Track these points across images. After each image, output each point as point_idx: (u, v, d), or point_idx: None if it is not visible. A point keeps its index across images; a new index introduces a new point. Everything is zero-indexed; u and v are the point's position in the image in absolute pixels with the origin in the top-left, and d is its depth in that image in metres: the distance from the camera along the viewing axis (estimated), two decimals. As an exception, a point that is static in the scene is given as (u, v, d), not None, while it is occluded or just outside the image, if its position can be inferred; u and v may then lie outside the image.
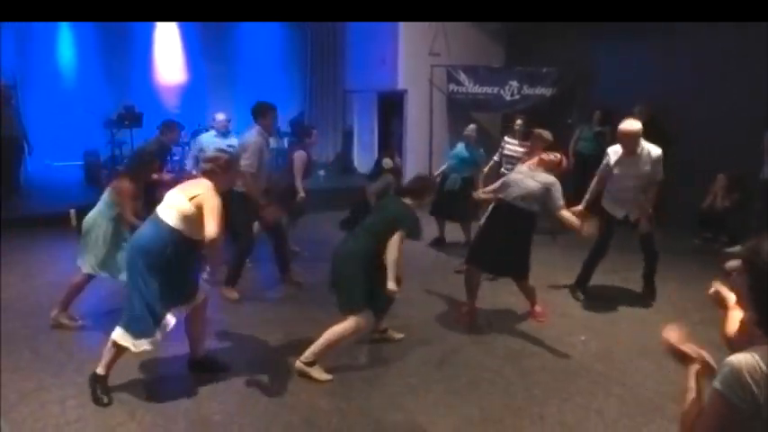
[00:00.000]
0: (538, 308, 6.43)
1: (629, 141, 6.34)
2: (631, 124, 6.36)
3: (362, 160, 15.48)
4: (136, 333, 4.42)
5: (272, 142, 13.59)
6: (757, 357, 1.94)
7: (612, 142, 10.73)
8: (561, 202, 5.92)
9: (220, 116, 9.37)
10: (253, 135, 6.98)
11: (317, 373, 4.98)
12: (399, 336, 5.84)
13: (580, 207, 6.62)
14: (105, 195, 5.82)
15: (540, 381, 5.08)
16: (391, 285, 4.91)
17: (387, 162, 8.28)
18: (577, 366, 5.35)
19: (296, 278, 7.55)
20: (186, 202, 4.40)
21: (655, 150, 6.41)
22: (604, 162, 6.73)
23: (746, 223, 8.93)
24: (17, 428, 4.23)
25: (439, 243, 9.35)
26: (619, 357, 5.55)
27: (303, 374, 4.98)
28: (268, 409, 4.57)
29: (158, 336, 4.50)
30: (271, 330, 6.06)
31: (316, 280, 7.21)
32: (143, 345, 4.45)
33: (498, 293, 7.07)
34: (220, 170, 4.61)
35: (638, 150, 6.37)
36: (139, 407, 4.51)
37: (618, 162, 6.52)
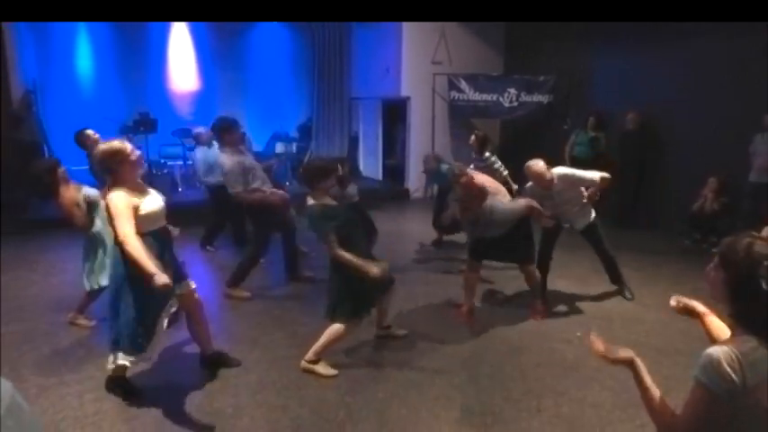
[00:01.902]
0: (539, 304, 6.42)
1: (540, 179, 6.15)
2: (536, 163, 6.13)
3: (367, 164, 15.52)
4: (126, 349, 4.29)
5: (281, 147, 13.66)
6: (733, 347, 1.97)
7: (607, 147, 10.88)
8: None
9: (200, 129, 9.25)
10: (222, 156, 6.78)
11: (323, 368, 5.00)
12: (403, 333, 5.84)
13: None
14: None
15: (537, 375, 5.08)
16: (372, 270, 4.68)
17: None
18: (573, 362, 5.35)
19: (307, 273, 7.63)
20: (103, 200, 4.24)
21: (561, 171, 6.29)
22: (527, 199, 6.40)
23: (735, 225, 8.92)
24: (38, 420, 4.26)
25: (438, 245, 9.37)
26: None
27: (309, 371, 5.01)
28: (278, 402, 4.58)
29: (150, 350, 4.41)
30: (279, 327, 6.08)
31: (321, 278, 7.23)
32: (144, 357, 4.41)
33: (497, 293, 7.08)
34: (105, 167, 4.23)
35: (554, 184, 6.21)
36: (154, 401, 4.53)
37: (541, 197, 6.21)
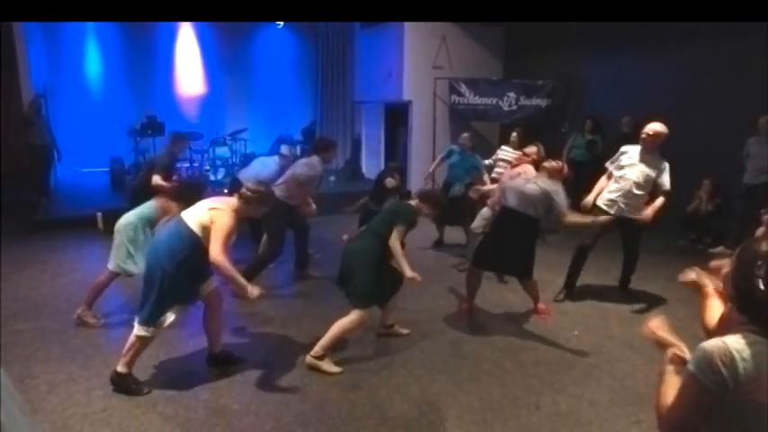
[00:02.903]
0: (542, 305, 6.43)
1: (653, 141, 6.30)
2: (659, 125, 6.32)
3: (369, 166, 15.52)
4: (141, 320, 4.47)
5: (286, 150, 13.68)
6: (728, 342, 1.98)
7: (603, 149, 10.89)
8: (565, 209, 5.84)
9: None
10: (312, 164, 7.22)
11: (327, 365, 5.01)
12: (405, 331, 5.85)
13: (590, 199, 6.59)
14: (151, 208, 5.91)
15: (536, 372, 5.09)
16: (409, 273, 4.98)
17: (389, 182, 8.10)
18: (571, 359, 5.36)
19: (315, 273, 7.69)
20: (206, 210, 4.42)
21: (664, 161, 6.38)
22: (615, 161, 6.65)
23: (728, 226, 8.92)
24: (47, 417, 4.26)
25: (439, 245, 9.37)
26: (609, 351, 5.55)
27: (314, 368, 5.01)
28: (282, 398, 4.59)
29: (159, 327, 4.51)
30: (285, 325, 6.09)
31: (327, 279, 7.25)
32: (143, 331, 4.47)
33: (497, 292, 7.09)
34: (256, 200, 4.62)
35: (655, 153, 6.34)
36: (161, 397, 4.54)
37: (628, 160, 6.43)
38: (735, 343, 1.98)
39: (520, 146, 8.61)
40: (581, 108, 11.85)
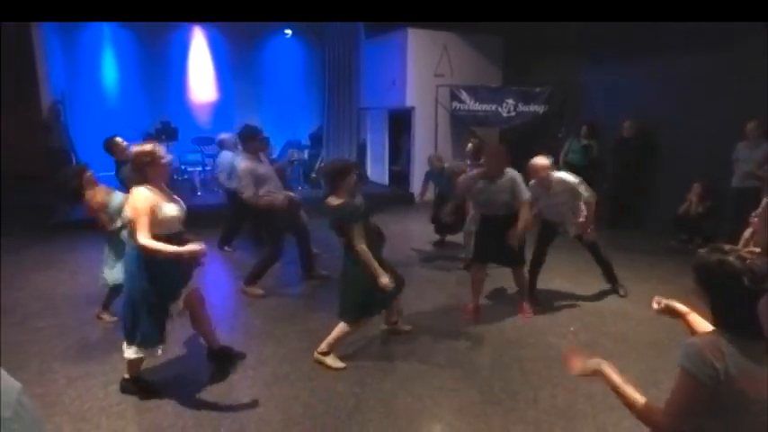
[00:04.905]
0: (526, 305, 6.42)
1: (541, 176, 6.17)
2: (539, 159, 6.19)
3: (374, 170, 15.55)
4: (145, 342, 4.29)
5: (295, 155, 13.68)
6: (716, 337, 2.00)
7: (599, 154, 10.90)
8: (526, 195, 5.80)
9: (225, 135, 9.44)
10: (240, 160, 6.88)
11: (333, 361, 5.02)
12: (408, 328, 5.86)
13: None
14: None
15: (533, 368, 5.09)
16: (383, 280, 4.74)
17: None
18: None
19: (323, 272, 7.65)
20: (127, 206, 4.18)
21: (569, 178, 6.29)
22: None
23: (718, 227, 8.90)
24: (65, 410, 4.28)
25: (440, 245, 9.38)
26: (604, 347, 5.54)
27: (320, 363, 5.03)
28: (290, 392, 4.60)
29: (164, 339, 4.38)
30: (292, 323, 6.10)
31: (333, 278, 7.27)
32: (155, 352, 4.37)
33: (497, 291, 7.09)
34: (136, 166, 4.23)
35: (553, 184, 6.22)
36: (174, 391, 4.56)
37: (538, 195, 6.28)
38: (721, 338, 2.00)
39: (475, 155, 8.44)
40: (577, 114, 11.87)
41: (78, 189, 5.61)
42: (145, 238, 3.93)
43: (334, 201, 4.80)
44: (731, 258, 2.03)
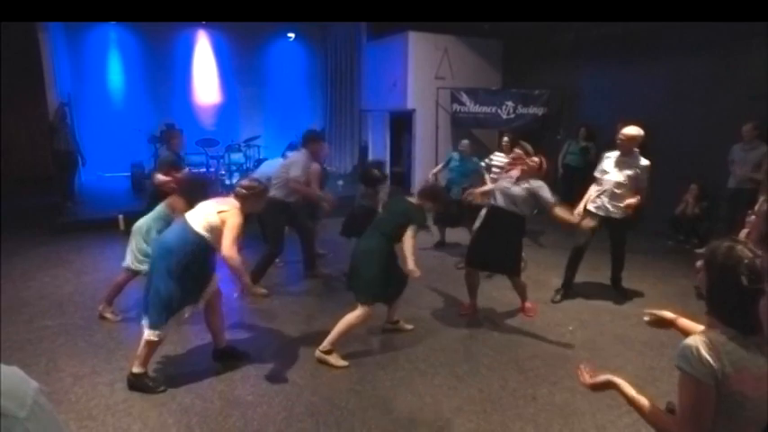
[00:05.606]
0: (528, 304, 6.41)
1: (628, 144, 6.31)
2: (634, 129, 6.32)
3: (376, 171, 15.54)
4: (150, 324, 4.44)
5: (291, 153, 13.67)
6: (710, 336, 2.00)
7: (597, 156, 10.88)
8: (552, 200, 5.79)
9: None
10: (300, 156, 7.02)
11: (335, 359, 5.03)
12: (409, 327, 5.87)
13: (580, 208, 6.57)
14: (162, 209, 5.74)
15: (532, 366, 5.10)
16: (412, 266, 4.93)
17: (376, 173, 8.04)
18: (565, 353, 5.37)
19: (323, 271, 7.68)
20: (215, 214, 4.42)
21: (644, 160, 6.37)
22: (599, 167, 6.64)
23: (714, 227, 8.91)
24: (72, 408, 4.29)
25: (441, 246, 9.38)
26: (602, 345, 5.55)
27: (323, 362, 5.04)
28: (293, 390, 4.61)
29: (168, 329, 4.50)
30: (295, 321, 6.11)
31: (336, 277, 7.28)
32: (152, 335, 4.44)
33: (496, 291, 7.09)
34: (252, 196, 4.64)
35: (633, 155, 6.34)
36: (179, 389, 4.57)
37: (610, 164, 6.45)
38: (717, 336, 2.00)
39: (509, 149, 8.59)
40: (575, 116, 11.89)
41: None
42: (234, 250, 4.26)
43: (416, 201, 5.44)
44: (740, 247, 2.04)
